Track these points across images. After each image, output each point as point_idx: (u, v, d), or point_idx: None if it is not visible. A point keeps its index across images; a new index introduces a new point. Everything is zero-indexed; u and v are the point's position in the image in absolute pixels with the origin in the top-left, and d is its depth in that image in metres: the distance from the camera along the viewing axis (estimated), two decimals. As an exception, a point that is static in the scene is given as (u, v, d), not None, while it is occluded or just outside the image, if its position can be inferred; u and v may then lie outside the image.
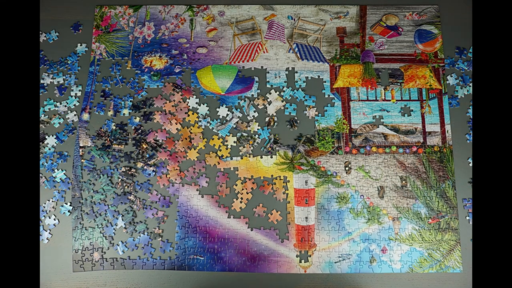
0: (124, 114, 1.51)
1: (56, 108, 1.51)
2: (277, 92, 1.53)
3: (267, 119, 1.51)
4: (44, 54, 1.57)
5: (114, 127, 1.49)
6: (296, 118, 1.51)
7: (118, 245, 1.40)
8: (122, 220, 1.42)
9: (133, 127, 1.50)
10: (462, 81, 1.54)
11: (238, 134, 1.49)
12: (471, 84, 1.53)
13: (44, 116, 1.50)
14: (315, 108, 1.52)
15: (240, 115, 1.51)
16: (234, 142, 1.49)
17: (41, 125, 1.49)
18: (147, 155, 1.47)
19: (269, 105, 1.52)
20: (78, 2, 1.62)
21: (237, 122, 1.50)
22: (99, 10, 1.61)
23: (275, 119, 1.50)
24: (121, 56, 1.57)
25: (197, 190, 1.44)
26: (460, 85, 1.54)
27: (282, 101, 1.52)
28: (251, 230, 1.41)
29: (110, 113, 1.51)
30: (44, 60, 1.56)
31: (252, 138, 1.49)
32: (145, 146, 1.47)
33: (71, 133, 1.49)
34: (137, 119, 1.50)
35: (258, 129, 1.50)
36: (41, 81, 1.54)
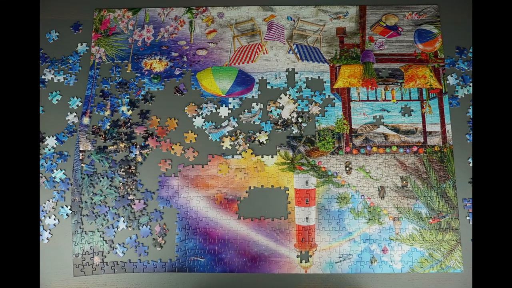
0: (122, 111, 1.52)
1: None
2: (287, 96, 1.53)
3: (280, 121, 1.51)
4: (44, 52, 1.58)
5: (108, 126, 1.50)
6: (304, 119, 1.51)
7: (116, 248, 1.40)
8: (123, 222, 1.42)
9: (123, 118, 1.51)
10: (462, 81, 1.54)
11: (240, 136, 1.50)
12: (471, 84, 1.53)
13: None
14: (319, 108, 1.52)
15: (236, 125, 1.51)
16: (230, 145, 1.49)
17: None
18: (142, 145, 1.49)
19: (282, 110, 1.52)
20: (78, 2, 1.63)
21: (233, 132, 1.50)
22: (98, 14, 1.62)
23: (292, 120, 1.51)
24: (121, 59, 1.58)
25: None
26: (460, 85, 1.54)
27: (294, 103, 1.52)
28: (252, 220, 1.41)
29: (107, 112, 1.52)
30: (45, 58, 1.57)
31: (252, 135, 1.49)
32: (138, 135, 1.49)
33: (71, 134, 1.50)
34: (129, 112, 1.51)
35: (261, 122, 1.51)
36: (42, 77, 1.55)
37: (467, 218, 1.41)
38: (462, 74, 1.55)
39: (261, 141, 1.49)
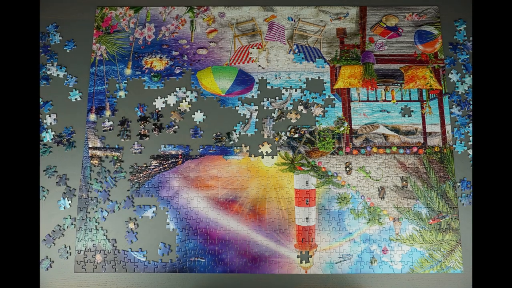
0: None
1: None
2: (290, 87, 1.54)
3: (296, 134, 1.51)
4: (46, 44, 1.58)
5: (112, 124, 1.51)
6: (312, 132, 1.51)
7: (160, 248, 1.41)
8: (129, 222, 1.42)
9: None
10: (465, 70, 1.54)
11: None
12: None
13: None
14: (322, 108, 1.52)
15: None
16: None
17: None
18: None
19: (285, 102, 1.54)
20: (78, 2, 1.62)
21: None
22: (100, 11, 1.61)
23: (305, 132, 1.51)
24: (122, 57, 1.57)
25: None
26: (460, 81, 1.54)
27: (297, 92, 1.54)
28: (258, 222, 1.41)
29: (108, 113, 1.52)
30: (48, 50, 1.57)
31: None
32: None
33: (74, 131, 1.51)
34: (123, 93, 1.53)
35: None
36: (48, 72, 1.55)
37: (467, 218, 1.42)
38: (465, 63, 1.55)
39: (264, 152, 1.49)
